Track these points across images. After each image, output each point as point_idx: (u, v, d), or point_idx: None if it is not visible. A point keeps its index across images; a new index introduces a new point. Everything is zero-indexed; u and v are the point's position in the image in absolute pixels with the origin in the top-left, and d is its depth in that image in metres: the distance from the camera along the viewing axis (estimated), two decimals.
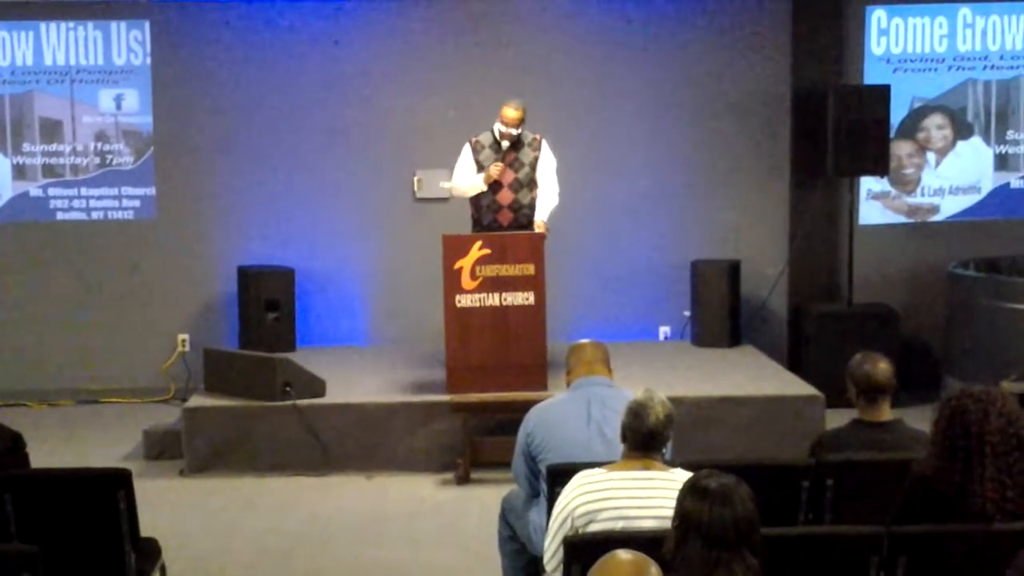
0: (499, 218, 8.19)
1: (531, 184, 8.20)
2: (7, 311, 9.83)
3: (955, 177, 10.11)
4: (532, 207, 8.19)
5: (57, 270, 9.86)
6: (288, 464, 7.79)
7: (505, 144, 8.16)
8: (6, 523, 4.70)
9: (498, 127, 8.15)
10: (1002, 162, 10.14)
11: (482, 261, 7.76)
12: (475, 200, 8.26)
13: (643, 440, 4.18)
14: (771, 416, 7.87)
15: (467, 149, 8.27)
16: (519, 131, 8.14)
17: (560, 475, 4.49)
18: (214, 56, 9.76)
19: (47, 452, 7.11)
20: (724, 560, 3.25)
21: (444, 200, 9.65)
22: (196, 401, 8.06)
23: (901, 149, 10.01)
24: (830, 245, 9.88)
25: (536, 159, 8.20)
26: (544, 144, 8.25)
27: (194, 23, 9.74)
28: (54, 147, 9.85)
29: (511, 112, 8.09)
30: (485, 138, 8.25)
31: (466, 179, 8.24)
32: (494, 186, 8.16)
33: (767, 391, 8.13)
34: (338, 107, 9.79)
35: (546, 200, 8.18)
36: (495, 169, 8.10)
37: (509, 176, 8.18)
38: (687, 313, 9.78)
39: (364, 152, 9.82)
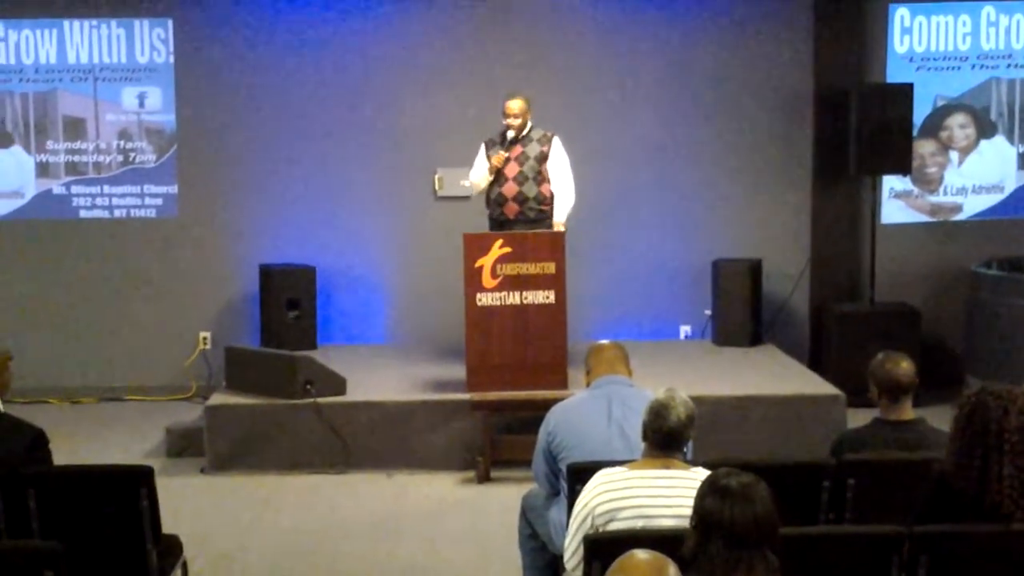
0: (505, 211, 8.31)
1: (537, 177, 8.29)
2: (30, 308, 9.88)
3: (978, 176, 10.08)
4: (539, 200, 8.27)
5: (79, 268, 9.91)
6: (309, 462, 7.80)
7: (511, 134, 8.28)
8: (29, 519, 4.72)
9: (504, 121, 8.29)
10: None
11: (503, 259, 7.77)
12: (486, 194, 8.41)
13: (664, 439, 4.18)
14: (792, 415, 7.86)
15: (482, 148, 8.44)
16: (521, 121, 8.25)
17: (581, 473, 4.49)
18: (237, 54, 9.79)
19: (70, 449, 7.12)
20: (745, 559, 3.23)
21: (465, 198, 9.68)
22: (217, 399, 8.08)
23: (924, 148, 9.97)
24: (852, 244, 9.86)
25: (543, 153, 8.29)
26: (556, 141, 8.33)
27: (217, 21, 9.77)
28: (77, 145, 9.90)
29: (512, 104, 8.28)
30: (496, 136, 8.38)
31: (476, 173, 8.44)
32: (500, 179, 8.28)
33: (788, 390, 8.11)
34: (361, 105, 9.80)
35: (562, 201, 8.25)
36: (496, 158, 8.23)
37: (514, 169, 8.28)
38: (708, 312, 9.77)
39: (385, 150, 9.84)
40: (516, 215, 8.27)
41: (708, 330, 9.79)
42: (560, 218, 8.19)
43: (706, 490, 3.36)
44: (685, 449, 4.31)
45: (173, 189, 9.91)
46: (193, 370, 9.85)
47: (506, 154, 8.24)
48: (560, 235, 7.95)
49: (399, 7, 9.78)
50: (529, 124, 8.35)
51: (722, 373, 8.59)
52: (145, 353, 9.87)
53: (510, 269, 7.77)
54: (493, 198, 8.34)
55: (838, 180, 9.75)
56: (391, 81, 9.82)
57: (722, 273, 9.58)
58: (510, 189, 8.28)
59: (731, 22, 9.81)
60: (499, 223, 8.30)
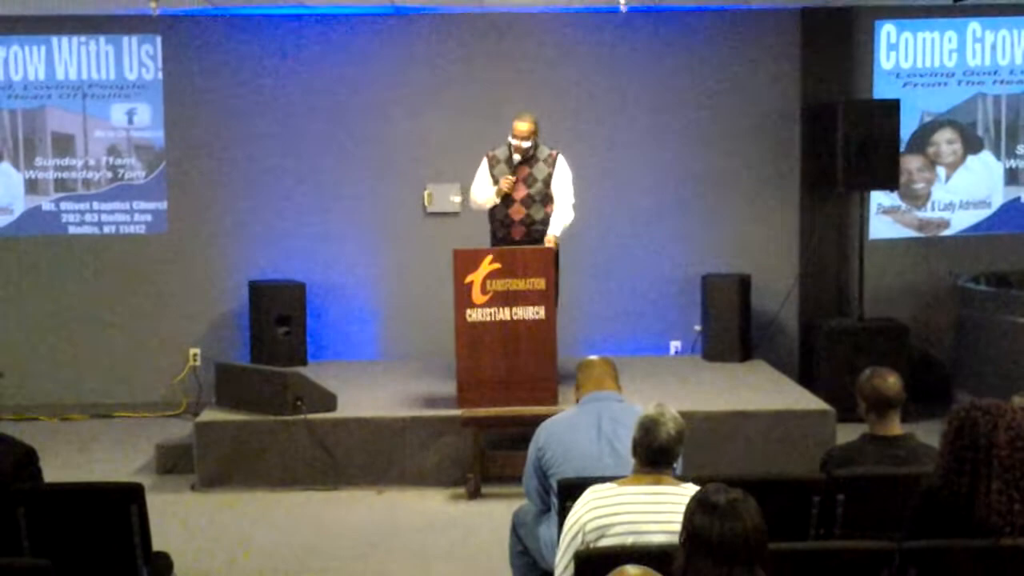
0: (512, 233, 8.23)
1: (544, 199, 8.22)
2: (20, 325, 9.88)
3: (965, 191, 10.12)
4: (545, 223, 8.20)
5: (69, 284, 9.91)
6: (299, 478, 7.80)
7: (517, 158, 8.19)
8: (19, 537, 4.72)
9: (511, 141, 8.19)
10: (1012, 176, 10.14)
11: (492, 275, 7.77)
12: (491, 214, 8.33)
13: (654, 455, 4.19)
14: (782, 431, 7.87)
15: (484, 163, 8.33)
16: (530, 144, 8.18)
17: (571, 489, 4.49)
18: (226, 71, 9.80)
19: (60, 466, 7.13)
20: (734, 575, 3.25)
21: (455, 214, 9.72)
22: (208, 415, 8.07)
23: (911, 163, 10.01)
24: (841, 259, 9.90)
25: (550, 175, 8.22)
26: (560, 159, 8.26)
27: (206, 38, 9.79)
28: (66, 161, 9.90)
29: (521, 125, 8.16)
30: (501, 152, 8.30)
31: (481, 192, 8.30)
32: (507, 201, 8.21)
33: (778, 406, 8.12)
34: (349, 122, 9.82)
35: (560, 215, 8.19)
36: (505, 183, 8.16)
37: (522, 191, 8.21)
38: (698, 327, 9.79)
39: (375, 166, 9.86)
40: (523, 237, 8.19)
41: (698, 345, 9.81)
42: (555, 232, 8.10)
43: (695, 506, 3.36)
44: (675, 465, 4.32)
45: (162, 205, 9.91)
46: (183, 386, 9.84)
47: (513, 178, 8.17)
48: (550, 251, 7.93)
49: (389, 24, 9.80)
50: (536, 144, 8.25)
51: (712, 389, 8.60)
52: (135, 369, 9.87)
53: (500, 285, 7.78)
54: (500, 219, 8.27)
55: (826, 196, 9.78)
56: (380, 97, 9.84)
57: (711, 288, 9.61)
58: (517, 212, 8.22)
59: (719, 39, 9.85)
60: (504, 243, 8.20)
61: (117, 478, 7.15)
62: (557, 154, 8.28)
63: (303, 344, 9.56)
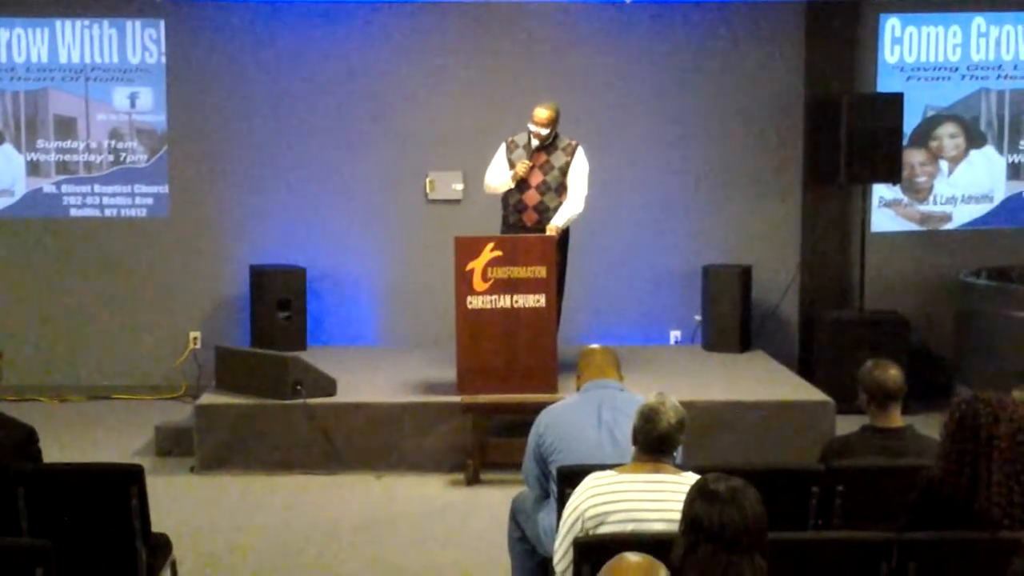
0: (524, 218, 8.20)
1: (560, 188, 8.17)
2: (20, 306, 9.87)
3: (967, 186, 10.11)
4: (558, 211, 8.17)
5: (70, 266, 9.90)
6: (298, 462, 7.81)
7: (535, 143, 8.16)
8: (18, 517, 4.72)
9: (530, 127, 8.16)
10: (1015, 171, 10.14)
11: (494, 263, 7.77)
12: (504, 198, 8.29)
13: (654, 443, 4.19)
14: (781, 421, 7.88)
15: (502, 148, 8.30)
16: (549, 131, 8.12)
17: (571, 477, 4.49)
18: (229, 55, 9.79)
19: (59, 447, 7.13)
20: (734, 564, 3.25)
21: (456, 202, 9.71)
22: (207, 399, 8.08)
23: (914, 157, 10.01)
24: (842, 252, 9.89)
25: (568, 164, 8.17)
26: (579, 151, 8.21)
27: (209, 22, 9.77)
28: (68, 144, 9.89)
29: (541, 112, 8.10)
30: (520, 138, 8.26)
31: (496, 176, 8.27)
32: (522, 186, 8.17)
33: (777, 396, 8.13)
34: (352, 108, 9.81)
35: (568, 206, 8.14)
36: (522, 167, 8.11)
37: (537, 178, 8.17)
38: (698, 318, 9.79)
39: (377, 153, 9.85)
40: (535, 224, 8.14)
41: (698, 335, 9.81)
42: (558, 222, 8.05)
43: (695, 495, 3.37)
44: (675, 454, 4.32)
45: (164, 189, 9.91)
46: (183, 369, 9.84)
47: (530, 163, 8.14)
48: (551, 239, 7.93)
49: (392, 11, 9.78)
50: (556, 133, 8.19)
51: (712, 378, 8.61)
52: (135, 352, 9.87)
53: (501, 272, 7.78)
54: (512, 203, 8.22)
55: (828, 188, 9.78)
56: (384, 83, 9.82)
57: (712, 279, 9.61)
58: (531, 197, 8.18)
59: (724, 31, 9.83)
60: (515, 228, 8.19)
61: (117, 460, 7.15)
62: (577, 145, 8.23)
63: (303, 329, 9.56)
